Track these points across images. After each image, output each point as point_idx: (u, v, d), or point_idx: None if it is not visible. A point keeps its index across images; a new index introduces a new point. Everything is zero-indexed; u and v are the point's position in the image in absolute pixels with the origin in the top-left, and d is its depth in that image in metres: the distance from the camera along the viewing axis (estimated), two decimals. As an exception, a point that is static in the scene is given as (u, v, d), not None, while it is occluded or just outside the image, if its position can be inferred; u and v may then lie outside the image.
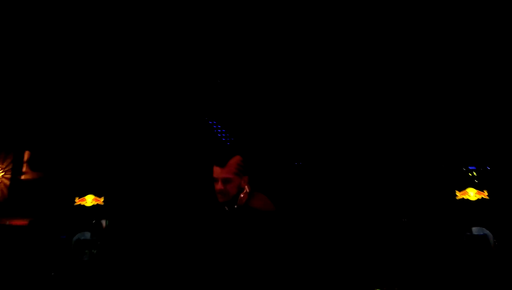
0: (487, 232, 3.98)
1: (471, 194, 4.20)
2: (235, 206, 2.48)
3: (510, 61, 4.43)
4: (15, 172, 5.01)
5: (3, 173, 4.99)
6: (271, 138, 4.83)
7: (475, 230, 4.07)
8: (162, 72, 5.00)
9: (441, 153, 4.52)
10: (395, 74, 4.77)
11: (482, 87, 4.55)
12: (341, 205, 4.52)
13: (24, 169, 5.03)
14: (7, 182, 4.98)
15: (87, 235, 4.38)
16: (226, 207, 2.52)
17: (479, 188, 4.25)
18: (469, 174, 4.33)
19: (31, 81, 5.11)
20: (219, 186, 2.44)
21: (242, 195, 2.50)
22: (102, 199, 4.58)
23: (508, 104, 4.49)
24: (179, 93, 5.04)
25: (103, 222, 4.40)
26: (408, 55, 4.66)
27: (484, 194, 4.20)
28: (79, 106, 5.06)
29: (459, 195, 4.26)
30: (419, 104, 4.67)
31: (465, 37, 4.40)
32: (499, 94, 4.52)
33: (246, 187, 2.54)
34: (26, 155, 5.07)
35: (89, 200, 4.53)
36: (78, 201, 4.52)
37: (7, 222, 4.56)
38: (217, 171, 2.46)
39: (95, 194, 4.54)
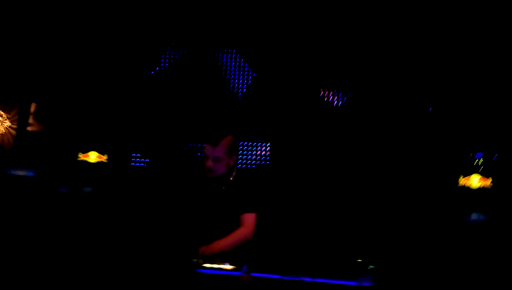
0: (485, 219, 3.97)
1: (474, 180, 4.15)
2: (223, 187, 2.68)
3: None
4: (21, 122, 5.04)
5: (10, 123, 5.03)
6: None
7: (473, 217, 4.06)
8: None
9: (447, 139, 4.42)
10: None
11: (494, 73, 4.40)
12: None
13: (30, 120, 5.06)
14: (14, 132, 5.02)
15: (88, 190, 4.46)
16: (214, 186, 2.71)
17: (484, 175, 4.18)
18: (477, 160, 4.26)
19: (39, 35, 5.06)
20: (209, 163, 2.62)
21: (231, 178, 2.71)
22: (105, 157, 4.62)
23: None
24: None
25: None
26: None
27: (487, 182, 4.14)
28: (88, 62, 5.02)
29: (463, 180, 4.20)
30: (427, 87, 4.55)
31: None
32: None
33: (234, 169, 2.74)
34: (33, 107, 5.08)
35: (93, 157, 4.57)
36: (81, 156, 4.56)
37: None
38: (208, 149, 2.64)
39: (99, 151, 4.58)
